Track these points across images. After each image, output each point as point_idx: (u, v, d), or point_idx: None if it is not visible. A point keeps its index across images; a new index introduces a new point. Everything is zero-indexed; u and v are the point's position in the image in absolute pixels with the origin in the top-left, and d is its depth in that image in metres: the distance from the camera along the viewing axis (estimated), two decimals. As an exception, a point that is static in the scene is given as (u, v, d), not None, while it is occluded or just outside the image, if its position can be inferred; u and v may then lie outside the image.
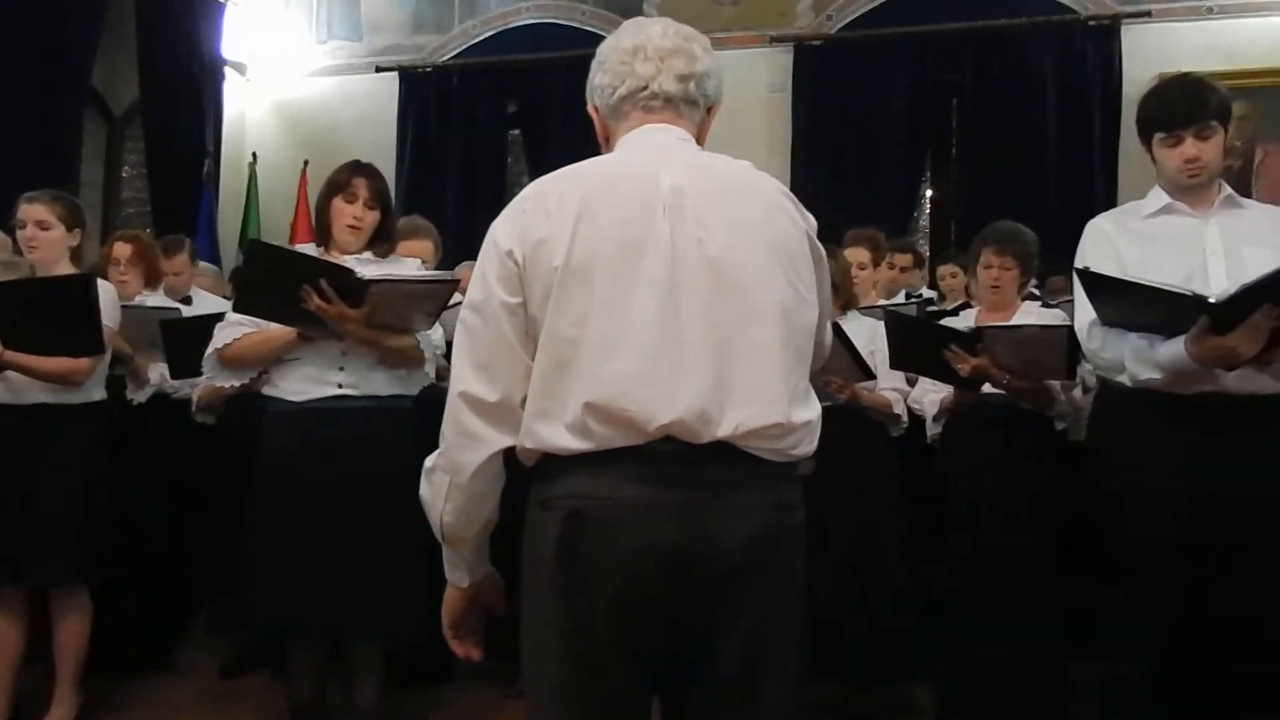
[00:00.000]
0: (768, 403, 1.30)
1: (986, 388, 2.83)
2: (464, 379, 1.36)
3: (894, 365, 2.98)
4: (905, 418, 3.10)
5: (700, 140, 1.49)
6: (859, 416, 2.97)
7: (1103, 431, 2.42)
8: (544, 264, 1.31)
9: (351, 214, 2.54)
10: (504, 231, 1.36)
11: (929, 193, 5.76)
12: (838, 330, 2.80)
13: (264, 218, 6.02)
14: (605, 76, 1.46)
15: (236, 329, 2.50)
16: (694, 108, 1.46)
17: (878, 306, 3.35)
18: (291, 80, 6.32)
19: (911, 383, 3.14)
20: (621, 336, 1.28)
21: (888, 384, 3.06)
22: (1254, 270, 1.98)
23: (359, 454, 2.43)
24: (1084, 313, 2.24)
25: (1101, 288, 2.14)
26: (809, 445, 1.37)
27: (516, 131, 6.10)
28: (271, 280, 2.41)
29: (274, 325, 2.47)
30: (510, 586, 1.50)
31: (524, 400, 1.34)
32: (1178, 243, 2.20)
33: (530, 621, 1.35)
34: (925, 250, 5.39)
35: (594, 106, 1.50)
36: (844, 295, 3.06)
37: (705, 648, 1.32)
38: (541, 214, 1.33)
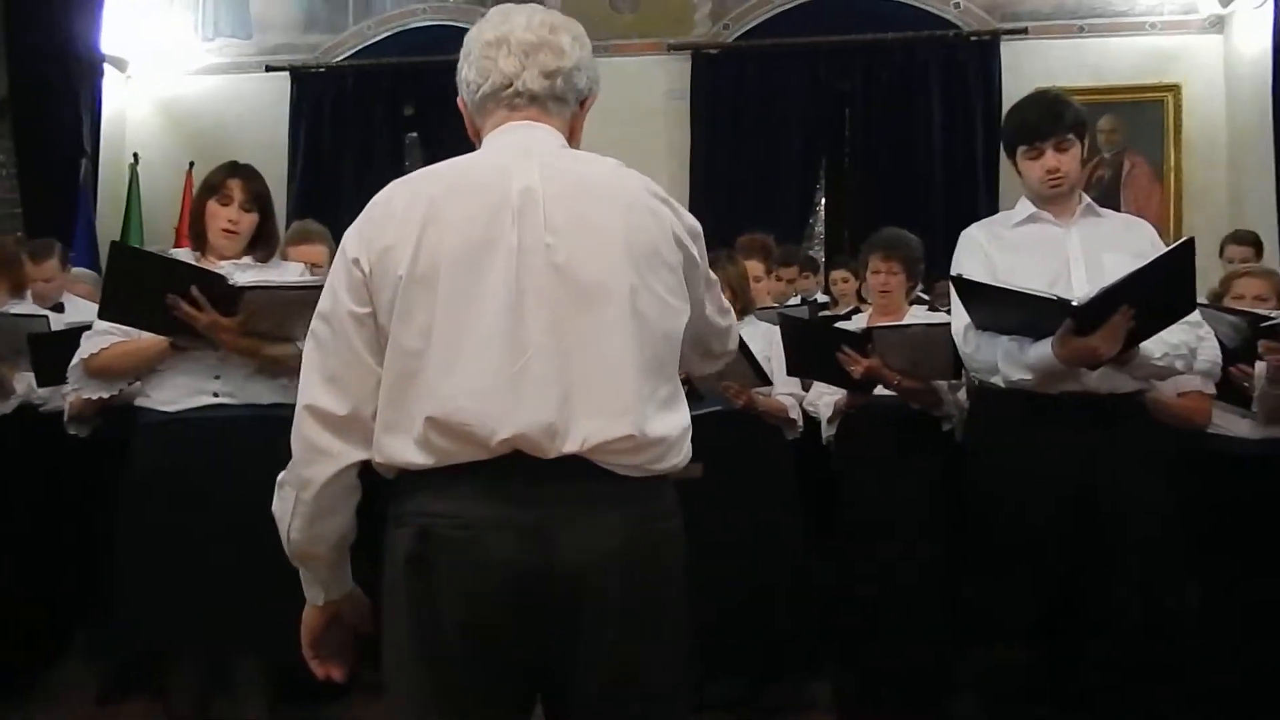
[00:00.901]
0: (617, 415, 1.24)
1: (879, 390, 2.91)
2: (311, 392, 1.30)
3: (790, 371, 3.04)
4: (800, 422, 3.16)
5: (573, 136, 1.42)
6: (754, 420, 3.02)
7: (978, 430, 2.53)
8: (390, 272, 1.25)
9: (226, 217, 2.45)
10: (352, 239, 1.30)
11: (823, 199, 5.90)
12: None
13: (147, 222, 5.77)
14: (470, 71, 1.37)
15: (105, 338, 2.38)
16: (562, 104, 1.38)
17: (771, 308, 3.42)
18: (176, 78, 6.09)
19: (807, 387, 3.21)
20: (463, 348, 1.23)
21: (783, 389, 3.11)
22: (1112, 275, 2.11)
23: (238, 465, 2.34)
24: (959, 317, 2.35)
25: (974, 294, 2.24)
26: (675, 458, 1.31)
27: (414, 134, 6.01)
28: (138, 287, 2.29)
29: (146, 333, 2.37)
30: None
31: (375, 413, 1.29)
32: (1043, 249, 2.33)
33: (387, 635, 1.31)
34: (820, 255, 5.53)
35: (462, 101, 1.43)
36: (741, 300, 3.10)
37: (568, 665, 1.28)
38: (388, 220, 1.27)
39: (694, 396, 3.00)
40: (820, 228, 5.96)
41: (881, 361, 2.78)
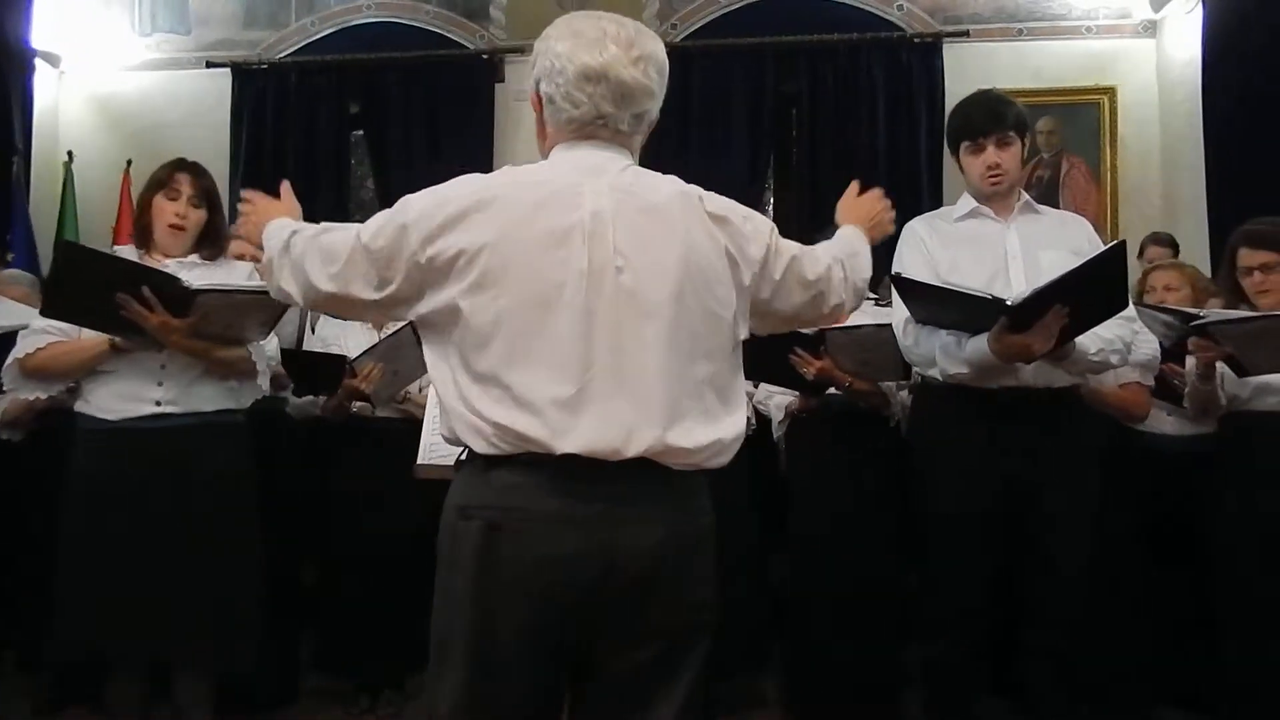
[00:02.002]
0: (678, 429, 1.33)
1: (830, 390, 2.94)
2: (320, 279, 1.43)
3: (746, 375, 3.05)
4: (754, 421, 3.19)
5: (635, 152, 1.49)
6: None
7: (919, 425, 2.58)
8: (453, 274, 1.33)
9: (174, 212, 2.40)
10: (419, 227, 1.35)
11: (771, 199, 5.95)
12: None
13: (82, 221, 5.61)
14: (558, 94, 1.41)
15: (42, 337, 2.32)
16: (639, 134, 1.48)
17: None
18: (111, 75, 5.92)
19: (756, 386, 3.24)
20: (532, 360, 1.31)
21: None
22: (1049, 271, 2.17)
23: (181, 475, 2.29)
24: (900, 312, 2.40)
25: (913, 291, 2.29)
26: (722, 458, 1.41)
27: (359, 133, 5.91)
28: (85, 286, 2.23)
29: (87, 333, 2.30)
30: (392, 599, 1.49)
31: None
32: (983, 245, 2.38)
33: (441, 626, 1.37)
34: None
35: (537, 98, 1.46)
36: None
37: (614, 652, 1.36)
38: (459, 222, 1.34)
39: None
40: (768, 227, 6.00)
41: (834, 362, 2.82)
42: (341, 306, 1.46)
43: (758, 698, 3.15)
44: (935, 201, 5.17)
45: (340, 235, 1.43)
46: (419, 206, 1.37)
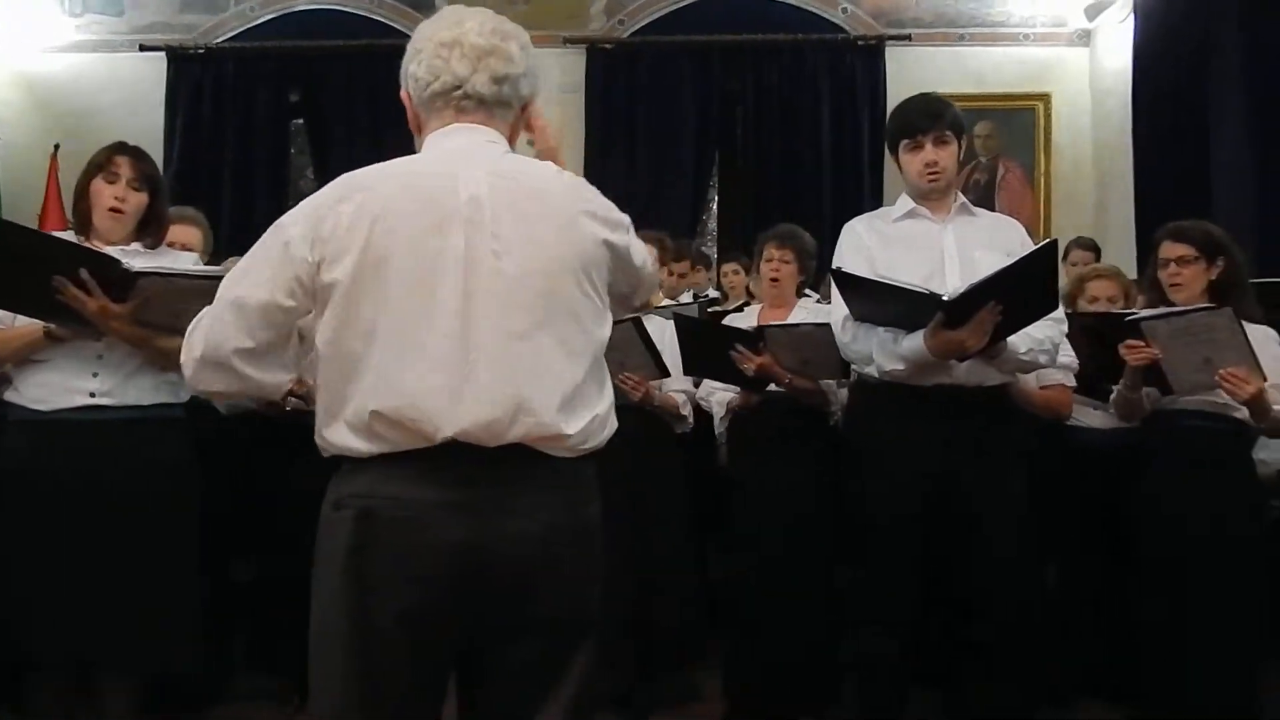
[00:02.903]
0: (551, 414, 1.33)
1: (771, 387, 2.97)
2: (209, 373, 1.38)
3: (686, 371, 3.07)
4: (691, 420, 3.21)
5: (512, 139, 1.49)
6: (646, 414, 3.05)
7: (855, 422, 2.62)
8: (334, 271, 1.31)
9: (113, 195, 2.31)
10: (296, 230, 1.34)
11: (716, 196, 5.99)
12: (640, 329, 2.87)
13: (7, 206, 5.42)
14: (420, 68, 1.43)
15: (-31, 322, 2.23)
16: (507, 109, 1.46)
17: (665, 307, 3.46)
18: (39, 56, 5.73)
19: (697, 383, 3.26)
20: (410, 348, 1.30)
21: (675, 385, 3.15)
22: (983, 271, 2.22)
23: (116, 470, 2.22)
24: (839, 309, 2.43)
25: (853, 286, 2.33)
26: (601, 435, 1.41)
27: (299, 122, 5.82)
28: (18, 267, 2.13)
29: (20, 319, 2.22)
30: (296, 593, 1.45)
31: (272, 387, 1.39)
32: (920, 245, 2.43)
33: (320, 620, 1.34)
34: (712, 252, 5.61)
35: (407, 94, 1.48)
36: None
37: (501, 641, 1.35)
38: (336, 219, 1.32)
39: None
40: (713, 224, 6.05)
41: (774, 359, 2.85)
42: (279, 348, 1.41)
43: (694, 692, 3.17)
44: (876, 201, 5.26)
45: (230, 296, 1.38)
46: (294, 220, 1.35)
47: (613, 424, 1.44)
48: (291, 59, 5.63)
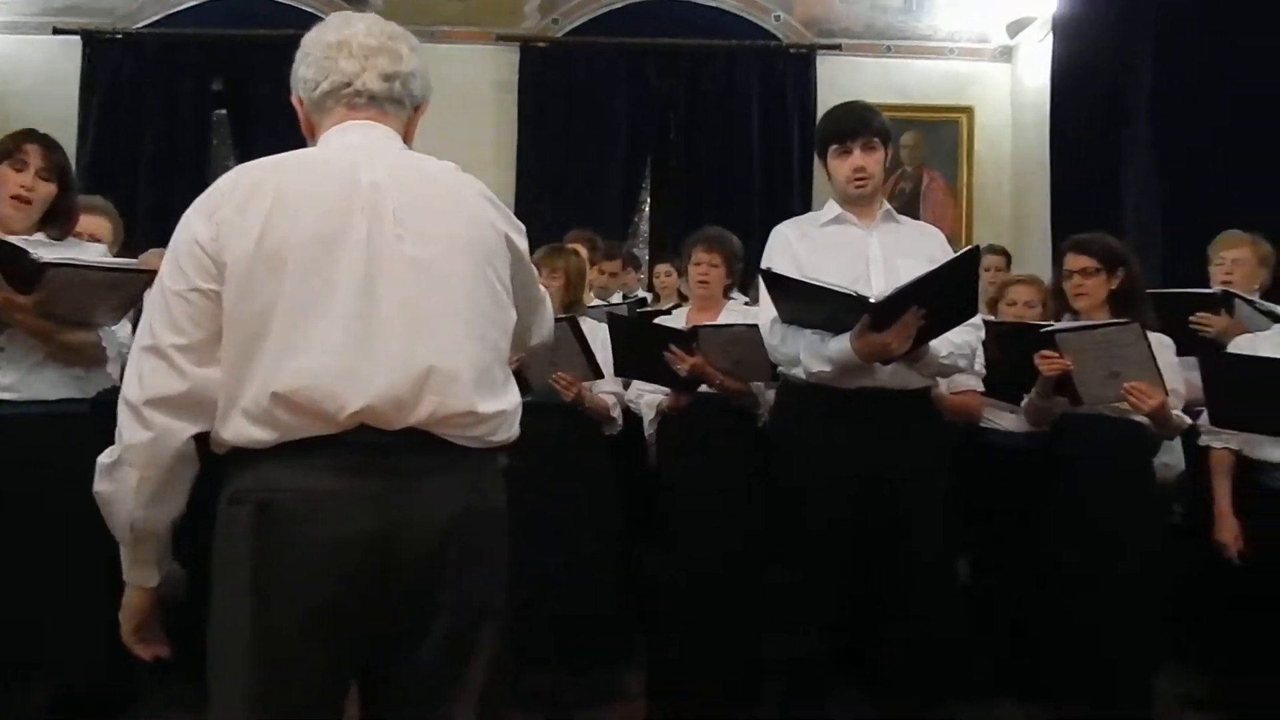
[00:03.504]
0: (459, 393, 1.32)
1: (702, 389, 2.99)
2: (149, 366, 1.30)
3: (618, 371, 3.08)
4: (620, 422, 3.22)
5: (407, 139, 1.50)
6: (576, 413, 3.05)
7: (782, 423, 2.66)
8: (233, 253, 1.29)
9: (19, 183, 2.23)
10: (195, 218, 1.32)
11: (648, 199, 6.01)
12: (575, 329, 2.87)
13: (-95, 190, 5.16)
14: (309, 70, 1.45)
15: None
16: (399, 106, 1.47)
17: (595, 307, 3.47)
18: (-57, 34, 5.47)
19: (626, 384, 3.27)
20: (312, 327, 1.28)
21: (606, 387, 3.16)
22: (906, 277, 2.28)
23: (17, 468, 2.14)
24: (767, 311, 2.47)
25: (782, 287, 2.37)
26: (507, 432, 1.42)
27: (223, 111, 5.66)
28: None
29: None
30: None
31: (217, 386, 1.32)
32: (846, 250, 2.49)
33: (220, 622, 1.30)
34: (644, 254, 5.63)
35: (298, 98, 1.49)
36: (576, 294, 3.14)
37: (407, 635, 1.32)
38: (234, 202, 1.31)
39: (522, 386, 3.00)
40: (645, 226, 6.07)
41: (706, 360, 2.88)
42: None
43: (620, 691, 3.18)
44: (805, 206, 5.35)
45: (149, 324, 1.32)
46: (196, 207, 1.34)
47: (517, 426, 1.44)
48: (215, 46, 5.48)
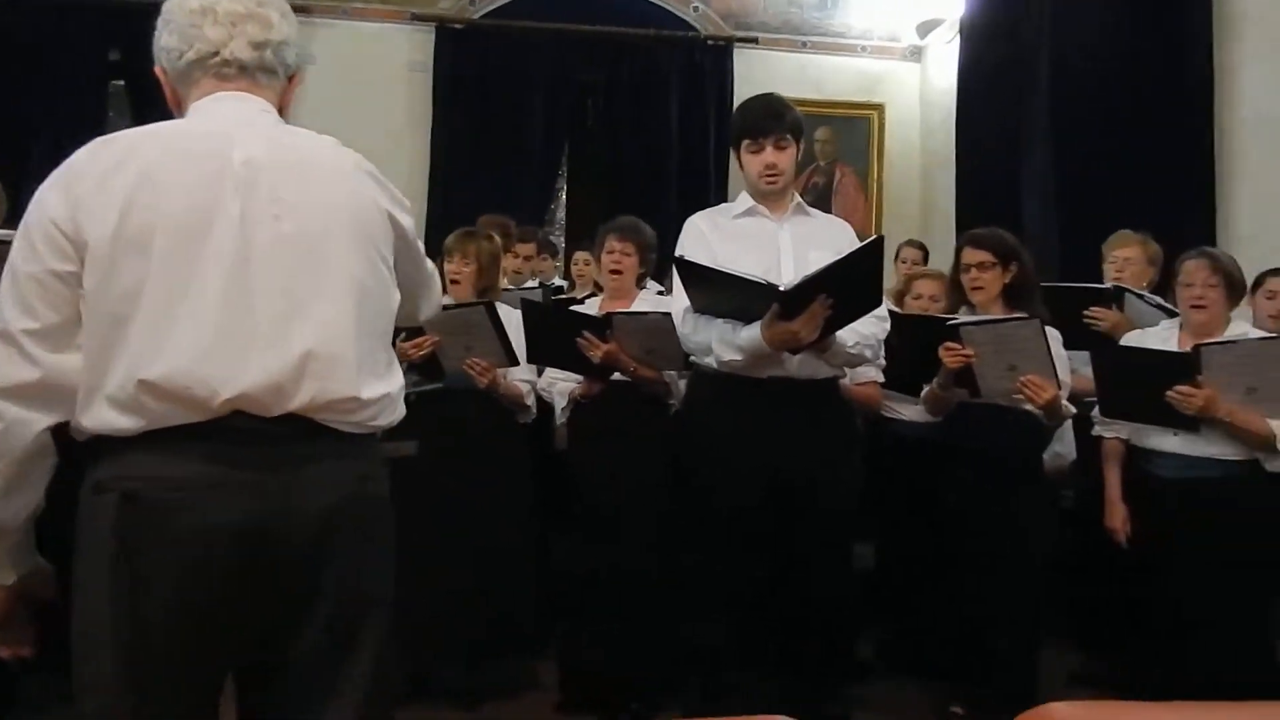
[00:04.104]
0: (341, 377, 1.28)
1: (615, 376, 3.00)
2: (4, 355, 1.23)
3: (530, 358, 3.05)
4: (534, 410, 3.20)
5: (283, 110, 1.43)
6: (490, 400, 3.03)
7: (693, 411, 2.69)
8: (93, 233, 1.21)
9: None
10: (51, 197, 1.24)
11: (565, 186, 5.98)
12: (492, 314, 2.84)
13: None
14: (172, 38, 1.35)
15: None
16: (273, 76, 1.40)
17: (509, 291, 3.43)
18: None
19: (539, 373, 3.25)
20: (182, 311, 1.22)
21: (520, 375, 3.14)
22: (816, 268, 2.32)
23: None
24: (680, 300, 2.49)
25: (695, 276, 2.39)
26: (391, 415, 1.38)
27: (120, 83, 5.41)
28: None
29: None
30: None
31: (75, 374, 1.24)
32: (758, 241, 2.53)
33: (84, 616, 1.23)
34: (561, 242, 5.61)
35: (161, 69, 1.39)
36: (489, 278, 3.10)
37: (286, 628, 1.27)
38: (94, 178, 1.23)
39: (435, 372, 2.96)
40: (561, 214, 6.04)
41: (619, 347, 2.88)
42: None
43: (532, 680, 3.16)
44: (722, 196, 5.39)
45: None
46: (51, 183, 1.26)
47: (401, 408, 1.40)
48: (112, 14, 5.22)
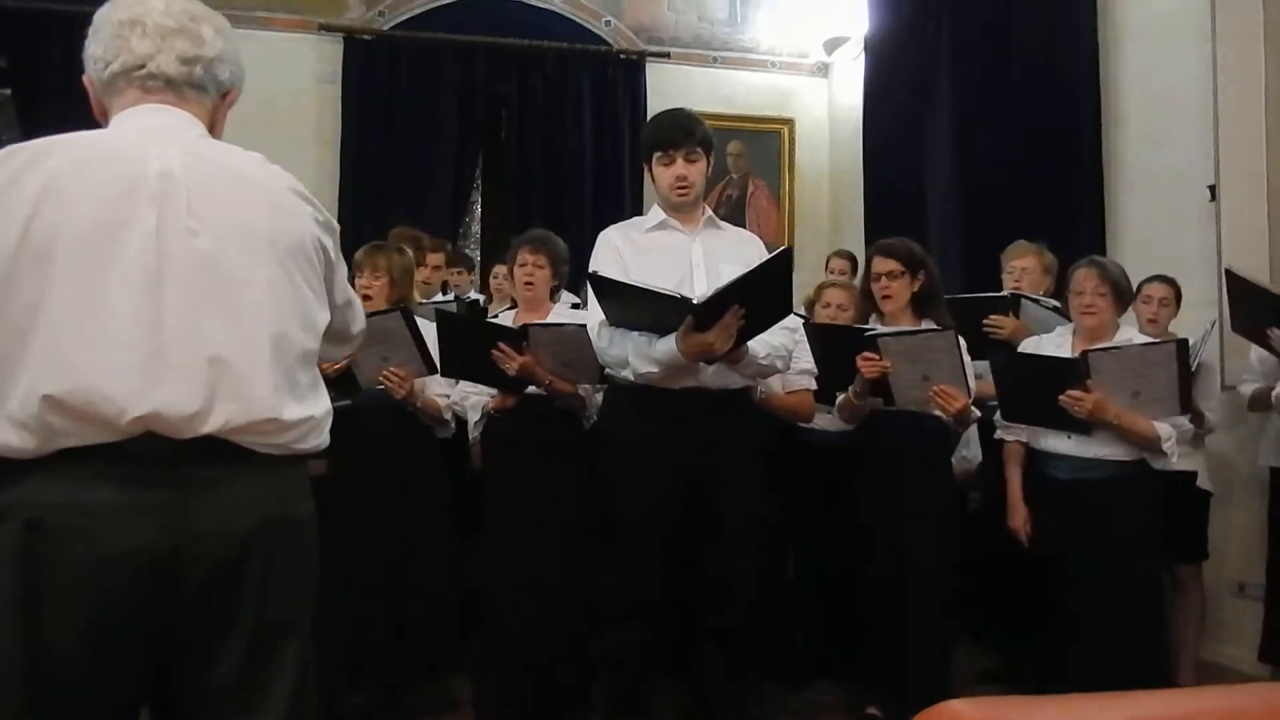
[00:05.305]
0: (259, 399, 1.25)
1: (530, 389, 2.97)
2: None
3: (445, 372, 3.01)
4: (454, 424, 3.16)
5: (214, 128, 1.41)
6: (405, 414, 2.98)
7: (607, 423, 2.70)
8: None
9: None
10: None
11: (480, 199, 5.93)
12: (409, 319, 2.80)
13: None
14: (99, 48, 1.33)
15: None
16: (202, 93, 1.37)
17: (424, 304, 3.39)
18: None
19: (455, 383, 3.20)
20: (88, 326, 1.18)
21: (438, 389, 3.09)
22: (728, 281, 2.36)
23: None
24: (595, 314, 2.50)
25: (608, 290, 2.40)
26: (316, 439, 1.35)
27: (7, 91, 5.17)
28: None
29: None
30: None
31: None
32: (670, 255, 2.55)
33: None
34: (476, 255, 5.56)
35: (89, 78, 1.37)
36: (402, 291, 3.06)
37: (201, 655, 1.24)
38: (8, 197, 1.19)
39: (350, 386, 2.90)
40: (476, 227, 5.99)
41: (535, 359, 2.86)
42: None
43: (450, 700, 3.11)
44: (637, 209, 5.43)
45: None
46: None
47: (326, 433, 1.37)
48: (-2, 19, 5.00)
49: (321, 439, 1.36)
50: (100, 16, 1.34)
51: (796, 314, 2.85)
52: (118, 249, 1.20)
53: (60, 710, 1.16)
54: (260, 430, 1.25)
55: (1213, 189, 3.60)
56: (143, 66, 1.32)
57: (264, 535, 1.25)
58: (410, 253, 3.21)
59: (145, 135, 1.29)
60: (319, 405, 1.35)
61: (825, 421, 3.21)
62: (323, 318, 1.39)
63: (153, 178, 1.24)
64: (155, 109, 1.33)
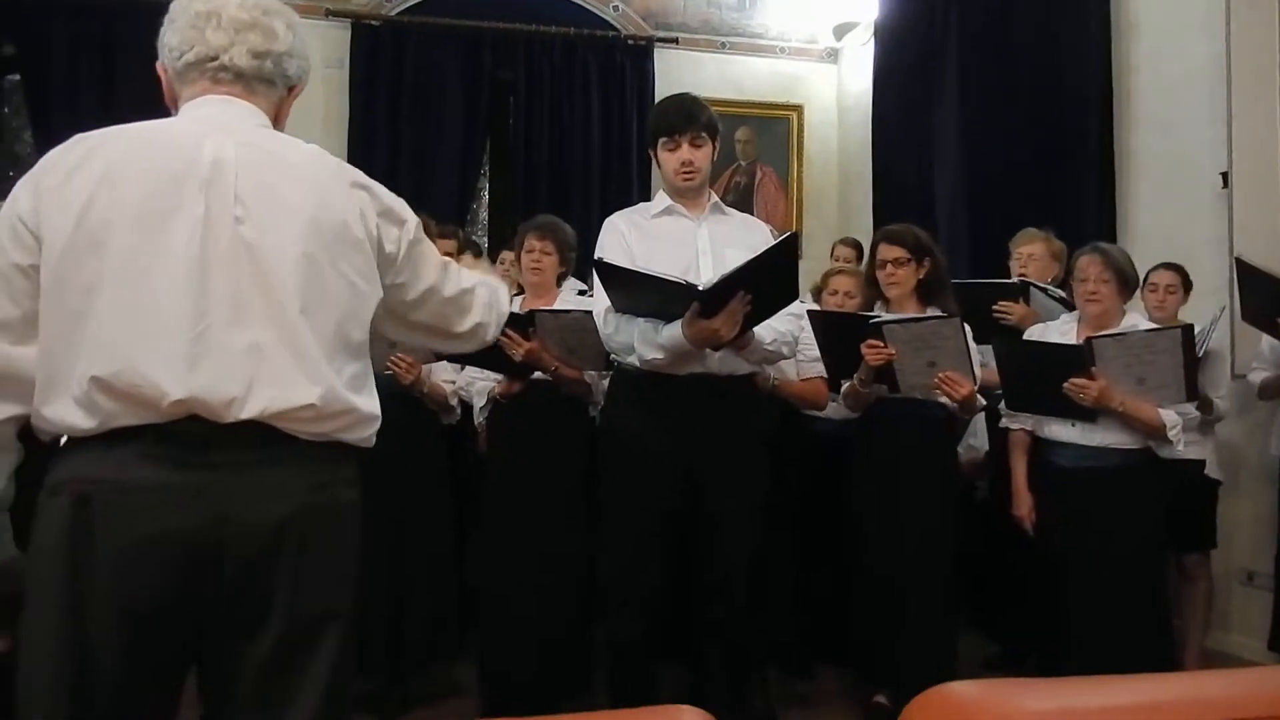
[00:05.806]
0: (298, 385, 1.26)
1: (536, 375, 2.97)
2: None
3: (451, 358, 3.01)
4: (459, 411, 3.17)
5: (277, 120, 1.43)
6: (412, 400, 2.98)
7: (612, 409, 2.69)
8: (51, 227, 1.22)
9: None
10: (24, 189, 1.26)
11: (487, 185, 5.93)
12: None
13: None
14: (174, 37, 1.37)
15: None
16: (270, 86, 1.40)
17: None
18: None
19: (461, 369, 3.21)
20: (137, 309, 1.21)
21: (444, 375, 3.10)
22: (733, 266, 2.35)
23: None
24: (601, 300, 2.49)
25: (614, 277, 2.39)
26: (363, 431, 1.35)
27: (16, 77, 5.18)
28: None
29: None
30: None
31: (30, 366, 1.25)
32: (676, 240, 2.54)
33: (32, 621, 1.22)
34: (484, 241, 5.56)
35: (162, 66, 1.40)
36: None
37: (240, 636, 1.26)
38: (61, 173, 1.25)
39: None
40: (484, 214, 5.99)
41: (541, 345, 2.87)
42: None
43: (453, 687, 3.13)
44: (645, 195, 5.42)
45: None
46: (23, 181, 1.27)
47: (373, 428, 1.37)
48: (4, 7, 5.00)
49: (368, 433, 1.36)
50: (177, 7, 1.37)
51: (802, 301, 2.84)
52: (167, 235, 1.23)
53: (96, 684, 1.19)
54: (298, 417, 1.26)
55: (1225, 176, 3.57)
56: (215, 58, 1.35)
57: (300, 520, 1.26)
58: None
59: (204, 124, 1.32)
60: (364, 400, 1.35)
61: (830, 409, 3.20)
62: (369, 306, 1.38)
63: (205, 166, 1.26)
64: (222, 100, 1.36)
